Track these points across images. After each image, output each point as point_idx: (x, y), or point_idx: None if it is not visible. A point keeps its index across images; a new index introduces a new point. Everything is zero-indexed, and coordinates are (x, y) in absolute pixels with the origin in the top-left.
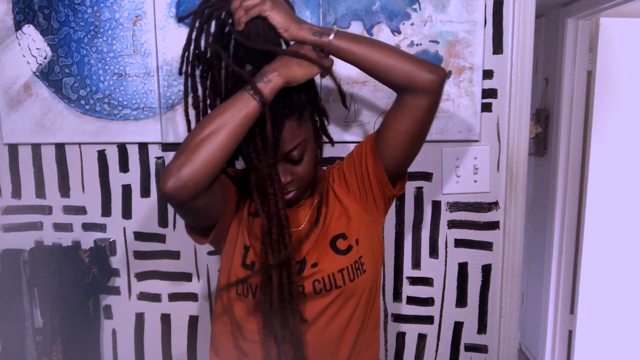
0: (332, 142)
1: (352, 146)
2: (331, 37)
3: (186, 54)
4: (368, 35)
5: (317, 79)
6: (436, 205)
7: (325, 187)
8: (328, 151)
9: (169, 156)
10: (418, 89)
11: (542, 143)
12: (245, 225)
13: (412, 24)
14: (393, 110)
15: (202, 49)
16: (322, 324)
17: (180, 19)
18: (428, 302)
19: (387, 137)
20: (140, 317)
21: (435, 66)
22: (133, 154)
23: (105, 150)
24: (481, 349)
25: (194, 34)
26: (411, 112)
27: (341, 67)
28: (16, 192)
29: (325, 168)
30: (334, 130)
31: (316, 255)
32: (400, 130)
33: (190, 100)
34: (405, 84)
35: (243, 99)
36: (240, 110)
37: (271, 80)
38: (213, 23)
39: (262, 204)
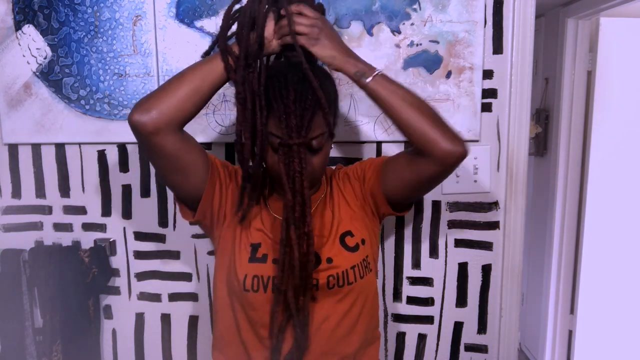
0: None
1: (351, 146)
2: (369, 79)
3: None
4: (402, 83)
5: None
6: (436, 205)
7: (329, 186)
8: None
9: None
10: (432, 156)
11: (542, 143)
12: (259, 219)
13: (412, 24)
14: (406, 156)
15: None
16: (334, 321)
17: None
18: (428, 302)
19: (390, 174)
20: (140, 317)
21: (459, 140)
22: (133, 154)
23: (105, 150)
24: (481, 349)
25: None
26: (419, 171)
27: None
28: (16, 192)
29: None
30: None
31: (329, 250)
32: (404, 177)
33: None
34: (422, 147)
35: (215, 61)
36: (211, 69)
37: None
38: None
39: (287, 181)
